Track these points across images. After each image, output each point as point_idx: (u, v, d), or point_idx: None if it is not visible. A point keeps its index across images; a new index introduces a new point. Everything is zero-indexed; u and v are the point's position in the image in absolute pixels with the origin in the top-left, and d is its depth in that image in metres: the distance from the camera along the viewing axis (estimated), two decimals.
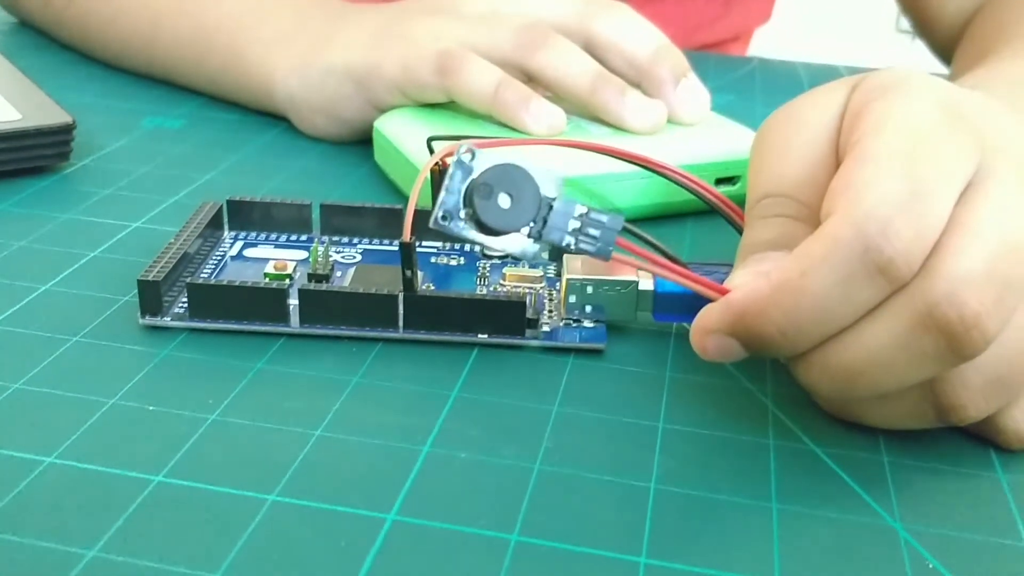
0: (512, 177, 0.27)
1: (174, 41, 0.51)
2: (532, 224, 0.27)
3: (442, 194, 0.28)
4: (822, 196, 0.27)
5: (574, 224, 0.27)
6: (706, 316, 0.26)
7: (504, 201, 0.27)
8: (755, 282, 0.25)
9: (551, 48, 0.40)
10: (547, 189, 0.27)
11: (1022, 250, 0.24)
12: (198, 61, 0.50)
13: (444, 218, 0.28)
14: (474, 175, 0.27)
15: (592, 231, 0.27)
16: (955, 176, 0.25)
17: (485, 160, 0.27)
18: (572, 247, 0.27)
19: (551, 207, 0.27)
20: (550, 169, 0.27)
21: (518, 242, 0.28)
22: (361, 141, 0.46)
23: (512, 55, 0.40)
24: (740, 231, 0.32)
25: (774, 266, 0.26)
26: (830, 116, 0.28)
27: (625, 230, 0.27)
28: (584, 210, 0.27)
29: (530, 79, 0.41)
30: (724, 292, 0.26)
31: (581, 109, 0.41)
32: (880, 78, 0.28)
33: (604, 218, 0.27)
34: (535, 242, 0.28)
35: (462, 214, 0.28)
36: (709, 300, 0.27)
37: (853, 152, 0.26)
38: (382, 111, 0.43)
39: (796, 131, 0.29)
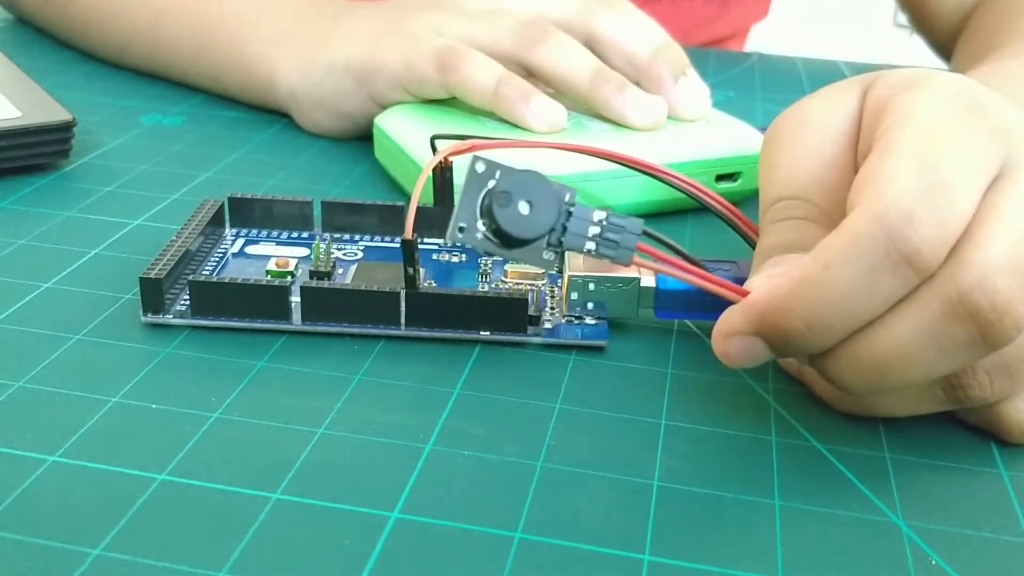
0: (530, 184, 0.27)
1: (175, 39, 0.50)
2: (552, 231, 0.27)
3: (456, 207, 0.27)
4: (835, 197, 0.27)
5: (594, 230, 0.27)
6: (727, 319, 0.26)
7: (523, 208, 0.27)
8: (775, 281, 0.25)
9: (551, 44, 0.40)
10: (564, 196, 0.27)
11: None
12: (199, 58, 0.50)
13: (461, 231, 0.27)
14: (489, 186, 0.27)
15: (612, 236, 0.26)
16: (979, 168, 0.25)
17: (499, 171, 0.27)
18: (593, 253, 0.27)
19: (570, 213, 0.27)
20: (563, 184, 0.27)
21: (536, 251, 0.27)
22: (361, 137, 0.46)
23: (512, 51, 0.40)
24: (738, 231, 0.32)
25: (794, 266, 0.25)
26: (842, 117, 0.28)
27: (644, 234, 0.27)
28: (603, 215, 0.27)
29: (530, 75, 0.41)
30: (746, 294, 0.26)
31: (582, 105, 0.41)
32: (900, 74, 0.28)
33: (624, 223, 0.27)
34: (554, 250, 0.27)
35: (479, 225, 0.27)
36: (712, 298, 0.26)
37: (877, 146, 0.26)
38: (383, 107, 0.43)
39: (807, 132, 0.29)
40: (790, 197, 0.28)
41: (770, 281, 0.25)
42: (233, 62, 0.48)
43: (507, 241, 0.27)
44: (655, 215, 0.40)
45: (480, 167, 0.27)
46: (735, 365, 0.26)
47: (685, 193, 0.33)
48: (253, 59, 0.47)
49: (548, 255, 0.27)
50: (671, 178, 0.33)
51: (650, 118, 0.40)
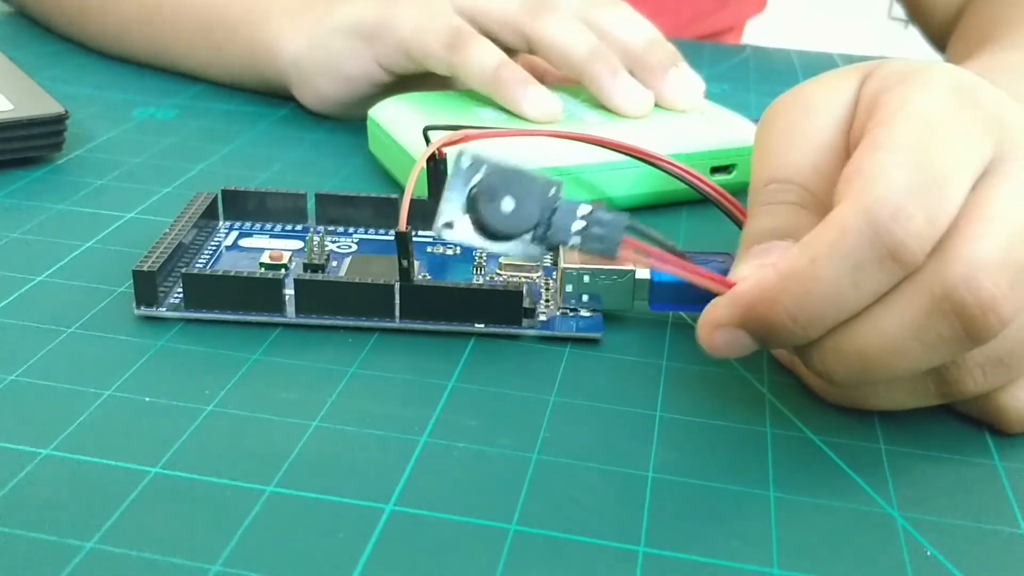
0: (515, 180, 0.27)
1: (178, 19, 0.50)
2: (538, 225, 0.27)
3: (442, 202, 0.27)
4: (828, 184, 0.27)
5: (579, 224, 0.27)
6: (713, 310, 0.26)
7: (508, 204, 0.26)
8: (762, 273, 0.25)
9: (554, 17, 0.41)
10: (549, 190, 0.27)
11: None
12: (202, 36, 0.50)
13: (447, 226, 0.27)
14: (474, 181, 0.27)
15: (597, 230, 0.26)
16: (968, 163, 0.25)
17: (485, 165, 0.27)
18: (578, 247, 0.27)
19: (555, 209, 0.27)
20: (550, 175, 0.27)
21: (522, 246, 0.27)
22: (355, 129, 0.45)
23: (516, 18, 0.41)
24: (735, 221, 0.32)
25: (781, 256, 0.25)
26: (840, 103, 0.28)
27: (630, 227, 0.27)
28: (588, 209, 0.27)
29: (529, 47, 0.41)
30: (732, 285, 0.26)
31: (576, 92, 0.41)
32: (897, 65, 0.28)
33: (609, 216, 0.26)
34: (540, 244, 0.27)
35: (465, 220, 0.27)
36: (710, 292, 0.26)
37: (867, 139, 0.26)
38: (386, 70, 0.43)
39: (804, 117, 0.28)
40: (782, 180, 0.28)
41: (756, 273, 0.25)
42: (237, 36, 0.48)
43: (492, 236, 0.27)
44: (650, 207, 0.40)
45: (466, 161, 0.27)
46: (720, 356, 0.26)
47: (683, 181, 0.33)
48: (258, 29, 0.47)
49: (534, 249, 0.27)
50: (668, 165, 0.33)
51: (636, 105, 0.40)
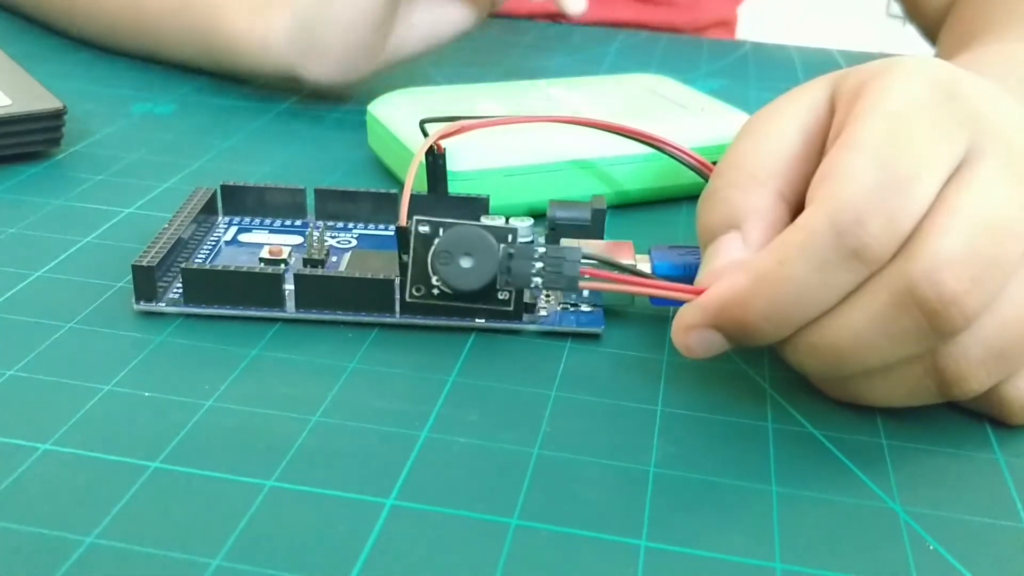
0: (467, 237, 0.28)
1: (158, 16, 0.50)
2: (499, 275, 0.28)
3: (409, 271, 0.29)
4: (779, 175, 0.27)
5: (537, 265, 0.28)
6: (686, 313, 0.26)
7: (465, 262, 0.28)
8: (731, 277, 0.25)
9: None
10: (503, 239, 0.28)
11: (1006, 228, 0.24)
12: (184, 33, 0.49)
13: (418, 292, 0.29)
14: (433, 245, 0.28)
15: (555, 268, 0.28)
16: (937, 160, 0.25)
17: (440, 228, 0.28)
18: (541, 287, 0.28)
19: (511, 255, 0.28)
20: (502, 223, 0.29)
21: (491, 294, 0.29)
22: (354, 125, 0.45)
23: None
24: None
25: (732, 253, 0.26)
26: (806, 107, 0.28)
27: (586, 258, 0.28)
28: (542, 250, 0.28)
29: None
30: (699, 293, 0.26)
31: (575, 86, 0.42)
32: (874, 63, 0.28)
33: (563, 253, 0.28)
34: (507, 290, 0.29)
35: (433, 283, 0.29)
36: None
37: (840, 136, 0.26)
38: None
39: (765, 121, 0.29)
40: (730, 167, 0.28)
41: (724, 278, 0.26)
42: (217, 33, 0.47)
43: (459, 293, 0.29)
44: (648, 203, 0.39)
45: (424, 228, 0.29)
46: (695, 357, 0.27)
47: (688, 166, 0.33)
48: (237, 24, 0.46)
49: (503, 295, 0.29)
50: (672, 149, 0.33)
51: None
